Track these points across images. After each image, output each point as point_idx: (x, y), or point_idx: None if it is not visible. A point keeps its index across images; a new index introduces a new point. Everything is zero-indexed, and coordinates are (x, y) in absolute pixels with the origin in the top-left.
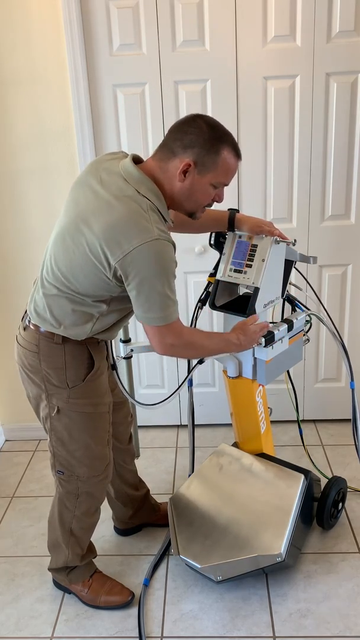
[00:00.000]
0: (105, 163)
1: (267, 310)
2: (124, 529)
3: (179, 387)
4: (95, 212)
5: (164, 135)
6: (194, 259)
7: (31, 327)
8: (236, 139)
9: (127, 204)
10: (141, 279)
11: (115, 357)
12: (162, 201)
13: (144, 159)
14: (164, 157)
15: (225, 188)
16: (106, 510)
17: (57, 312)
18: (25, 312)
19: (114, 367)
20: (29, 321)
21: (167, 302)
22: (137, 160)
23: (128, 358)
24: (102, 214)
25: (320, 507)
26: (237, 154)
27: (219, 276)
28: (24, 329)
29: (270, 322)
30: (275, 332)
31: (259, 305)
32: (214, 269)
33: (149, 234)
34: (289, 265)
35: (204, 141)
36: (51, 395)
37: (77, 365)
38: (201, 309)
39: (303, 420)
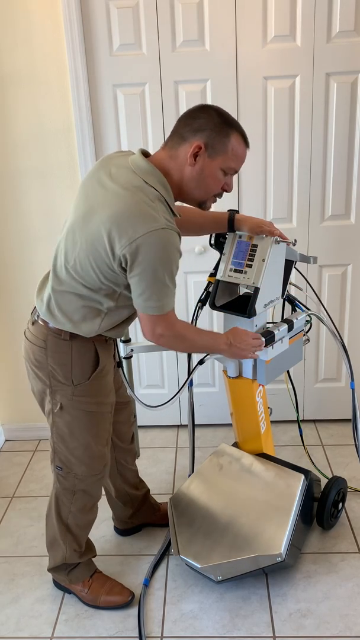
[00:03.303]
0: (115, 159)
1: (267, 310)
2: (124, 529)
3: (182, 387)
4: (103, 204)
5: (164, 134)
6: (194, 259)
7: (40, 322)
8: None
9: (134, 194)
10: (145, 266)
11: (120, 356)
12: (170, 193)
13: (152, 154)
14: (174, 144)
15: None
16: (106, 510)
17: (66, 307)
18: (35, 307)
19: (119, 364)
20: (38, 316)
21: (166, 292)
22: (145, 154)
23: (128, 358)
24: (110, 204)
25: (320, 507)
26: (246, 142)
27: (219, 276)
28: (33, 323)
29: (270, 322)
30: (275, 332)
31: (259, 305)
32: (214, 269)
33: (155, 223)
34: (289, 265)
35: (214, 125)
36: (55, 391)
37: (84, 363)
38: (201, 309)
39: (303, 420)
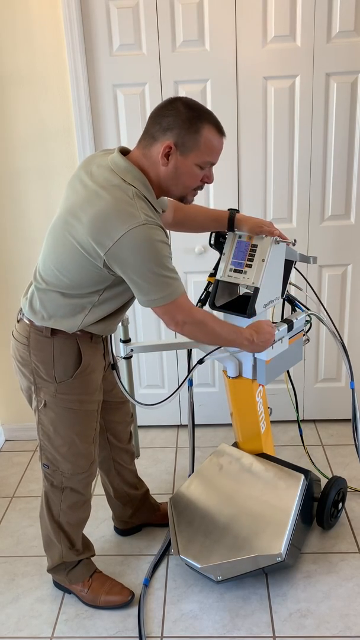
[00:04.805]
0: (97, 158)
1: (267, 310)
2: (124, 529)
3: (179, 387)
4: (82, 204)
5: None
6: (194, 259)
7: (25, 320)
8: (236, 138)
9: (113, 192)
10: (134, 264)
11: (115, 357)
12: (149, 189)
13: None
14: (147, 144)
15: (225, 187)
16: (106, 510)
17: (49, 305)
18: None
19: (113, 366)
20: (23, 314)
21: (166, 281)
22: (125, 152)
23: (128, 358)
24: (90, 205)
25: (320, 507)
26: (220, 131)
27: (219, 276)
28: (18, 321)
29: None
30: (275, 332)
31: (259, 305)
32: (214, 269)
33: (135, 220)
34: (289, 265)
35: (182, 121)
36: (39, 388)
37: (66, 361)
38: (201, 309)
39: (303, 420)
